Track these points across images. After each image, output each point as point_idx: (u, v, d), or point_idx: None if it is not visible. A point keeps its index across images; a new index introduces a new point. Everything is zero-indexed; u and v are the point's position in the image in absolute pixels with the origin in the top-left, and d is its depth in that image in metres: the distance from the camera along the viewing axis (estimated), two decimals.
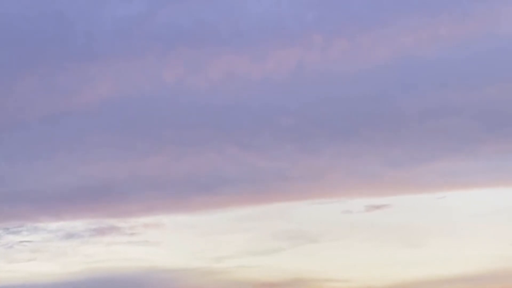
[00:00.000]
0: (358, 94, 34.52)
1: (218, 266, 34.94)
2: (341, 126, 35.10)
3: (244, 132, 35.18)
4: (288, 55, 35.07)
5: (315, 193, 35.22)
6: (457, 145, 34.64)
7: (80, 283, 34.25)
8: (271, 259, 34.63)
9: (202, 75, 35.09)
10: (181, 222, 35.83)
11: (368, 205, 35.46)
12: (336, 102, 34.70)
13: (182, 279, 34.66)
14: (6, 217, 35.31)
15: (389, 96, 34.84)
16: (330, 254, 34.77)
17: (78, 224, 35.87)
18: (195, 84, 35.10)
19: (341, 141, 35.33)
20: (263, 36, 34.72)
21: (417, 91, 34.79)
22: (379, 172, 34.83)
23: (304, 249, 34.98)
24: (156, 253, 35.19)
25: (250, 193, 35.23)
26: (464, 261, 33.91)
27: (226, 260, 34.98)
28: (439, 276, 33.50)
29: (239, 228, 35.51)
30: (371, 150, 35.04)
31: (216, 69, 35.04)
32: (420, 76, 34.71)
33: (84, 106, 35.21)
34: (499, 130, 34.34)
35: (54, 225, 35.84)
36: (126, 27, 34.64)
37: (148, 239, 35.50)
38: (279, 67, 35.03)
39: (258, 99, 34.88)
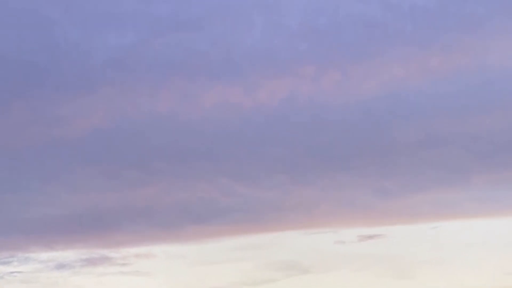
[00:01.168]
0: (350, 125, 34.77)
1: None
2: (333, 156, 35.20)
3: (236, 162, 35.22)
4: (280, 86, 35.34)
5: (307, 223, 35.20)
6: (448, 175, 34.76)
7: None
8: None
9: (194, 106, 35.28)
10: (173, 253, 35.69)
11: (361, 235, 35.47)
12: (328, 132, 34.89)
13: None
14: None
15: (380, 126, 35.03)
16: (323, 284, 34.63)
17: (70, 254, 35.65)
18: (188, 114, 35.27)
19: (333, 171, 35.40)
20: (255, 66, 35.05)
21: (408, 121, 35.03)
22: (371, 202, 34.89)
23: (296, 279, 34.85)
24: (148, 284, 34.96)
25: (242, 224, 35.14)
26: None
27: None
28: None
29: (231, 258, 35.36)
30: (363, 180, 35.14)
31: (209, 100, 35.23)
32: (411, 107, 34.96)
33: (76, 135, 35.27)
34: (489, 160, 34.52)
35: (45, 255, 35.60)
36: (119, 57, 34.86)
37: (140, 269, 35.31)
38: (271, 97, 35.29)
39: (250, 129, 35.04)
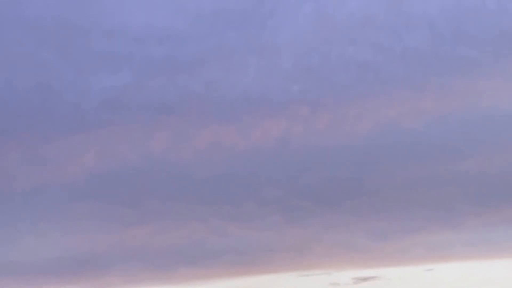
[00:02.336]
0: (343, 165, 34.74)
1: None
2: (326, 198, 35.13)
3: (229, 203, 35.04)
4: (274, 126, 35.46)
5: (301, 265, 34.98)
6: (442, 217, 34.73)
7: None
8: None
9: (188, 146, 35.29)
10: None
11: (356, 277, 35.16)
12: (322, 173, 34.87)
13: None
14: None
15: (373, 167, 35.04)
16: None
17: None
18: (181, 155, 35.29)
19: (327, 213, 35.29)
20: (249, 107, 35.17)
21: (401, 163, 35.12)
22: (366, 244, 34.71)
23: None
24: None
25: (235, 265, 34.86)
26: None
27: None
28: None
29: None
30: (358, 222, 35.02)
31: (202, 140, 35.29)
32: (404, 147, 35.02)
33: (69, 177, 35.12)
34: (483, 202, 34.53)
35: None
36: (113, 98, 34.95)
37: None
38: (264, 138, 35.35)
39: (244, 169, 35.00)
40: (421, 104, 35.32)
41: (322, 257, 35.05)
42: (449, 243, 34.51)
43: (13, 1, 34.48)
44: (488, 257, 34.49)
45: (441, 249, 34.53)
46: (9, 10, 34.49)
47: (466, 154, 34.79)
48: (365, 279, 35.10)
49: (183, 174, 34.82)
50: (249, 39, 35.05)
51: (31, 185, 34.93)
